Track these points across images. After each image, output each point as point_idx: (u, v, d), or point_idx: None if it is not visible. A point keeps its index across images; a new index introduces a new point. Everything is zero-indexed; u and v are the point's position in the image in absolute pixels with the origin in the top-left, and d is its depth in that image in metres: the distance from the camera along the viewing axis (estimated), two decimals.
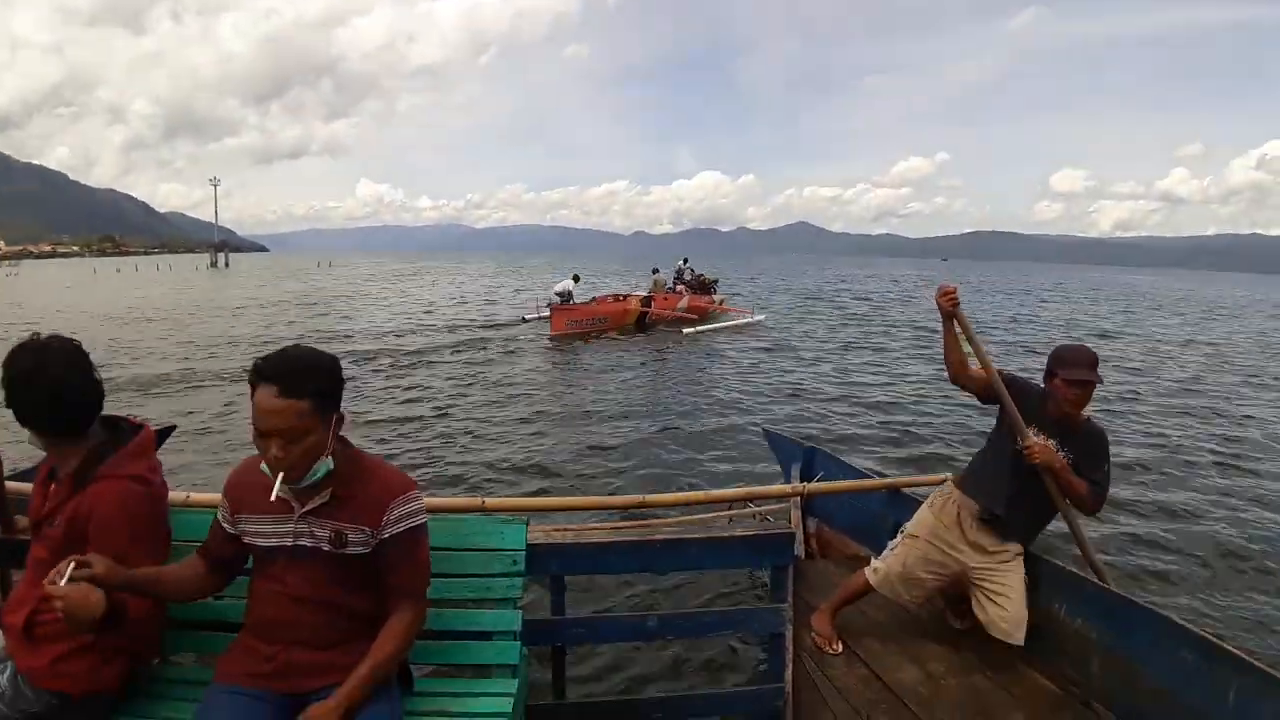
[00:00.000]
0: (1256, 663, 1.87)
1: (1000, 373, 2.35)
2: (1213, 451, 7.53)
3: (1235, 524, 5.43)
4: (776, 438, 4.63)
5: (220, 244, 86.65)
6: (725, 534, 2.14)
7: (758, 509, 4.06)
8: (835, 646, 2.48)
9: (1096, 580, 2.38)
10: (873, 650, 2.48)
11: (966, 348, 2.34)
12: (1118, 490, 5.46)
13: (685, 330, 16.34)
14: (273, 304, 24.31)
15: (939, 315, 2.31)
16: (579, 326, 15.46)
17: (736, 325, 18.34)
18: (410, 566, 1.51)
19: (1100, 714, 2.22)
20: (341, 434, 1.46)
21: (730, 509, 4.08)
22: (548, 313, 15.80)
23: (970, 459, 2.57)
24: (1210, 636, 2.02)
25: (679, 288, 18.97)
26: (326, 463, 1.41)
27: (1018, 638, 2.33)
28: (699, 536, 2.08)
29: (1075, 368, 2.20)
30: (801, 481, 3.67)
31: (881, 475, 3.83)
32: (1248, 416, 9.31)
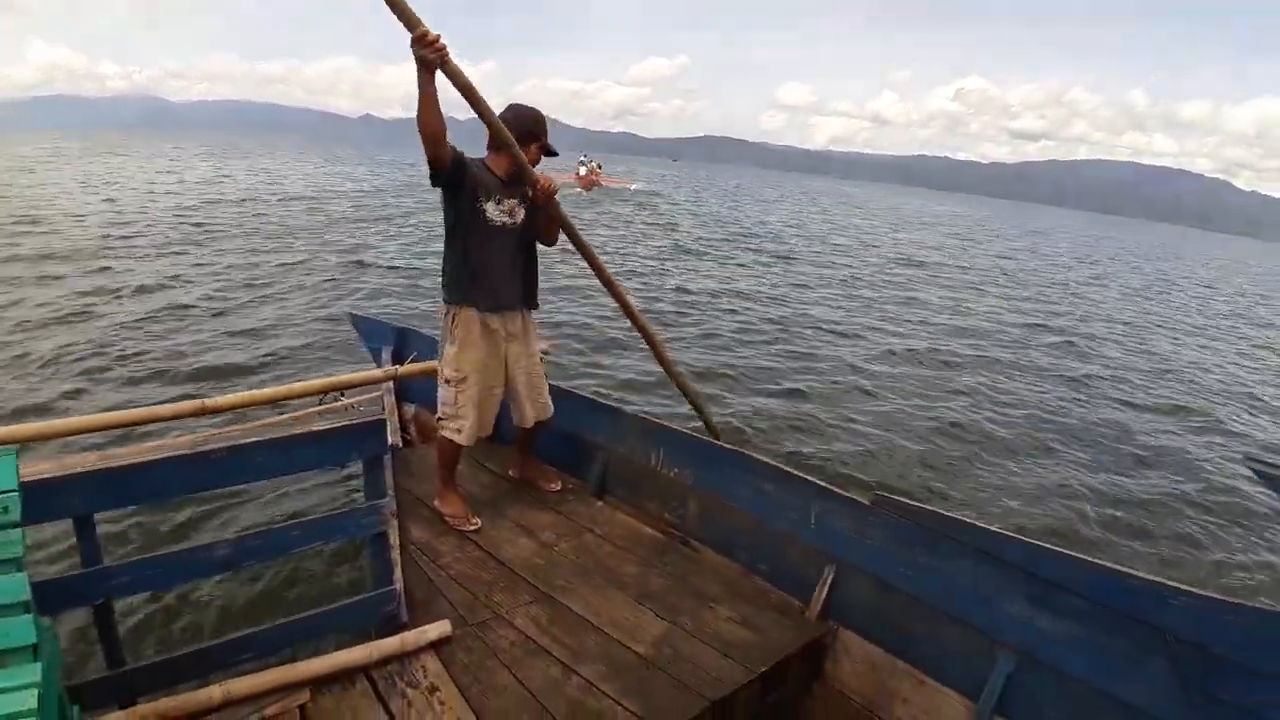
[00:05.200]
0: (828, 485, 2.10)
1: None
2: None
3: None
4: (363, 321, 4.20)
5: None
6: (299, 431, 1.87)
7: (350, 400, 3.52)
8: (475, 521, 2.44)
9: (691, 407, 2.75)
10: (482, 529, 2.45)
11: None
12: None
13: (632, 188, 30.84)
14: None
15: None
16: (582, 188, 26.16)
17: (639, 189, 31.35)
18: None
19: (699, 549, 2.41)
20: None
21: (320, 404, 3.46)
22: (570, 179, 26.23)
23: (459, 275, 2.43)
24: (788, 468, 2.25)
25: (598, 169, 30.13)
26: None
27: (551, 407, 2.57)
28: (267, 439, 1.80)
29: (546, 138, 2.38)
30: (394, 364, 3.43)
31: None
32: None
